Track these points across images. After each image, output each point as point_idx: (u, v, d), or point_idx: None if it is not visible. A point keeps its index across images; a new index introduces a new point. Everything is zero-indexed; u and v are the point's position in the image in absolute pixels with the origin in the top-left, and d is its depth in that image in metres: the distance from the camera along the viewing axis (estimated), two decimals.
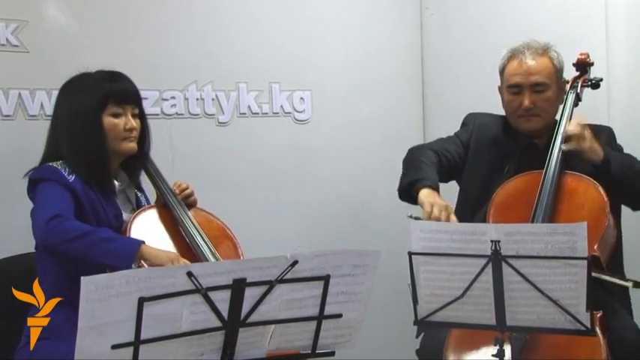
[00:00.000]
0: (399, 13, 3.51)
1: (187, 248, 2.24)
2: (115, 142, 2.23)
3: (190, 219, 2.29)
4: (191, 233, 2.26)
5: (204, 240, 2.25)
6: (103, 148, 2.21)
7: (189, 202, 2.40)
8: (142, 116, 2.30)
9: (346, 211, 3.31)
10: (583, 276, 1.79)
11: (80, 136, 2.19)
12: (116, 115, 2.22)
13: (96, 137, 2.19)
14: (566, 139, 2.37)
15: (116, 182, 2.29)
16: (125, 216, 2.27)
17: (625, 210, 2.50)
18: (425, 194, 2.32)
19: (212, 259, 2.20)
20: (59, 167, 2.17)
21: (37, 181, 2.17)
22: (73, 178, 2.15)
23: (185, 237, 2.26)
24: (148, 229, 2.24)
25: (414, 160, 2.55)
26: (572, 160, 2.42)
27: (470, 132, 2.65)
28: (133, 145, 2.26)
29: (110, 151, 2.24)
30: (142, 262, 2.01)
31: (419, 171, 2.45)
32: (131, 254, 2.01)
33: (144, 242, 2.07)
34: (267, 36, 3.11)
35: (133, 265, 1.99)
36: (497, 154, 2.57)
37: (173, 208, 2.31)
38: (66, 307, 1.96)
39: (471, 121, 2.69)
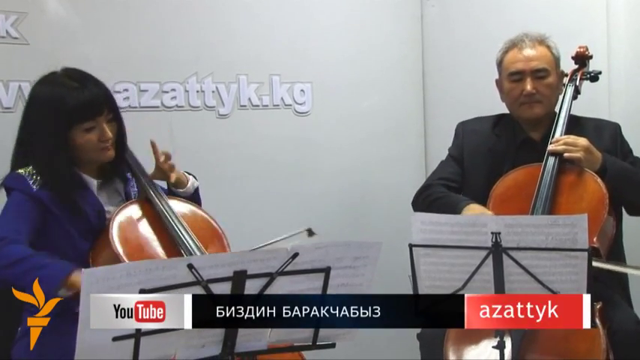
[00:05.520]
0: (400, 4, 3.50)
1: (171, 242, 2.21)
2: (91, 154, 2.20)
3: (173, 212, 2.25)
4: (174, 227, 2.21)
5: (187, 233, 2.21)
6: (66, 167, 2.16)
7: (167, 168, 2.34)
8: (116, 117, 2.23)
9: (347, 203, 3.32)
10: (583, 268, 1.80)
11: (45, 152, 2.14)
12: (89, 130, 2.16)
13: (61, 157, 2.14)
14: (553, 142, 2.38)
15: (94, 180, 2.25)
16: (111, 210, 2.24)
17: None
18: (468, 210, 2.34)
19: (197, 251, 2.17)
20: (26, 175, 2.14)
21: (8, 190, 2.16)
22: (39, 187, 2.12)
23: (169, 230, 2.23)
24: (130, 225, 2.21)
25: (433, 199, 2.53)
26: None
27: (461, 145, 2.65)
28: (110, 154, 2.22)
29: (85, 162, 2.22)
30: (67, 290, 1.96)
31: (448, 203, 2.44)
32: (55, 282, 1.95)
33: (77, 269, 1.98)
34: (267, 28, 3.10)
35: (59, 293, 1.94)
36: (493, 158, 2.56)
37: (155, 203, 2.26)
38: (64, 303, 1.95)
39: (460, 131, 2.68)
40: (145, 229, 2.23)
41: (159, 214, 2.25)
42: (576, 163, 2.35)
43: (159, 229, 2.24)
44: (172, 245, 2.20)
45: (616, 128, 2.55)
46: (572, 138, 2.38)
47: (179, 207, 2.32)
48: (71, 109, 2.12)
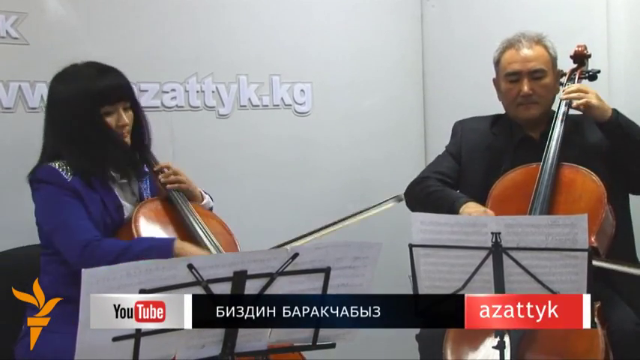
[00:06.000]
0: (400, 4, 3.50)
1: (190, 241, 2.22)
2: None
3: (193, 212, 2.29)
4: (194, 227, 2.25)
5: (206, 233, 2.24)
6: (112, 145, 2.20)
7: (182, 189, 2.35)
8: (135, 108, 2.28)
9: (347, 202, 3.31)
10: (583, 268, 1.80)
11: (83, 138, 2.17)
12: (107, 114, 2.19)
13: (102, 137, 2.18)
14: (570, 91, 2.42)
15: (117, 175, 2.27)
16: (127, 207, 2.27)
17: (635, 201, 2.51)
18: (467, 208, 2.35)
19: (214, 251, 2.19)
20: (58, 168, 2.16)
21: (37, 183, 2.17)
22: (72, 178, 2.15)
23: (190, 231, 2.25)
24: (154, 220, 2.25)
25: (429, 192, 2.54)
26: (570, 152, 2.43)
27: (459, 143, 2.65)
28: (125, 141, 2.24)
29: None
30: None
31: (445, 198, 2.46)
32: (169, 256, 2.02)
33: (174, 239, 2.11)
34: (267, 28, 3.10)
35: None
36: (491, 156, 2.56)
37: (176, 202, 2.30)
38: (66, 303, 1.96)
39: (458, 129, 2.69)
40: (167, 226, 2.26)
41: (180, 214, 2.28)
42: (590, 110, 2.38)
43: (179, 228, 2.27)
44: (192, 245, 2.21)
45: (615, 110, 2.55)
46: (583, 86, 2.44)
47: (196, 208, 2.34)
48: (94, 91, 2.16)
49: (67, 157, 2.18)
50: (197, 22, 2.94)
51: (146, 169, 2.38)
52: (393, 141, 3.47)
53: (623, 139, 2.36)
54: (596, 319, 1.96)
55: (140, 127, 2.31)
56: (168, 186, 2.33)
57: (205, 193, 2.45)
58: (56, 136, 2.21)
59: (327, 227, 2.17)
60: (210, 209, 2.46)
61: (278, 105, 3.14)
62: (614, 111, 2.40)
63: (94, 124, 2.17)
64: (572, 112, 2.52)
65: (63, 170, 2.16)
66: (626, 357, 2.18)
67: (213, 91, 2.98)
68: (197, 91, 2.94)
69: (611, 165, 2.41)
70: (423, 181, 2.59)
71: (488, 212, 2.30)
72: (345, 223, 2.19)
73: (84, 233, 2.09)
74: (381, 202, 2.21)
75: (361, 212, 2.21)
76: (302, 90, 3.20)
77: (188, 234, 2.25)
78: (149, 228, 2.21)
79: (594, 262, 1.89)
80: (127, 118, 2.22)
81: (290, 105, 3.18)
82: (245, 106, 3.06)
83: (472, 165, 2.59)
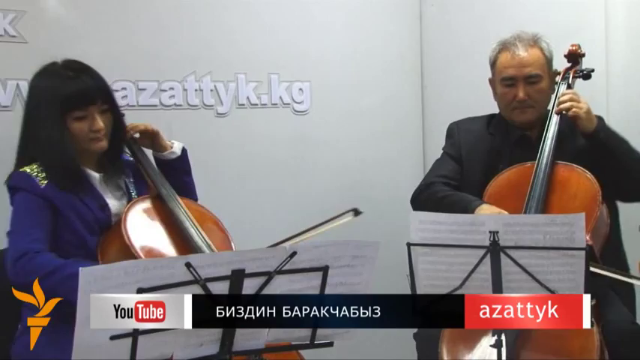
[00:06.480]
0: (399, 4, 3.50)
1: (181, 239, 2.22)
2: (84, 144, 2.19)
3: (184, 211, 2.26)
4: (185, 225, 2.23)
5: (197, 231, 2.22)
6: (69, 154, 2.16)
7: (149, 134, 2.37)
8: (112, 109, 2.24)
9: (345, 201, 3.29)
10: (581, 266, 1.80)
11: (46, 142, 2.14)
12: (80, 119, 2.16)
13: (61, 144, 2.14)
14: (561, 101, 2.41)
15: (96, 174, 2.25)
16: (114, 204, 2.25)
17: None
18: (481, 210, 2.32)
19: (206, 250, 2.18)
20: (32, 173, 2.13)
21: (12, 190, 2.15)
22: (46, 184, 2.12)
23: (181, 229, 2.23)
24: (143, 220, 2.22)
25: (440, 197, 2.50)
26: (564, 151, 2.43)
27: (457, 144, 2.64)
28: (102, 145, 2.21)
29: (80, 152, 2.21)
30: None
31: (458, 202, 2.42)
32: None
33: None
34: (266, 27, 3.10)
35: None
36: (490, 157, 2.56)
37: (166, 200, 2.28)
38: (65, 302, 1.94)
39: (455, 131, 2.67)
40: (158, 225, 2.24)
41: (170, 211, 2.26)
42: (576, 120, 2.37)
43: (171, 226, 2.24)
44: (184, 243, 2.20)
45: (601, 120, 2.54)
46: (576, 94, 2.42)
47: (189, 206, 2.32)
48: (63, 97, 2.13)
49: (38, 159, 2.16)
50: (196, 21, 2.94)
51: (128, 158, 2.36)
52: (392, 140, 3.47)
53: (604, 151, 2.36)
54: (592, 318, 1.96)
55: (118, 127, 2.27)
56: (136, 131, 2.34)
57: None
58: (26, 136, 2.20)
59: (284, 241, 2.10)
60: (184, 150, 2.44)
61: (276, 104, 3.14)
62: (599, 124, 2.39)
63: (53, 129, 2.14)
64: None
65: (37, 176, 2.13)
66: (622, 355, 2.18)
67: (211, 90, 2.98)
68: (195, 90, 2.94)
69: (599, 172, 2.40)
70: (428, 187, 2.56)
71: (502, 214, 2.27)
72: (301, 238, 2.11)
73: (28, 243, 2.04)
74: (337, 216, 2.15)
75: (317, 226, 2.14)
76: (300, 89, 3.20)
77: (180, 232, 2.23)
78: (139, 228, 2.18)
79: (591, 269, 1.89)
80: (102, 121, 2.18)
81: (288, 104, 3.18)
82: (243, 104, 3.06)
83: (472, 166, 2.58)
